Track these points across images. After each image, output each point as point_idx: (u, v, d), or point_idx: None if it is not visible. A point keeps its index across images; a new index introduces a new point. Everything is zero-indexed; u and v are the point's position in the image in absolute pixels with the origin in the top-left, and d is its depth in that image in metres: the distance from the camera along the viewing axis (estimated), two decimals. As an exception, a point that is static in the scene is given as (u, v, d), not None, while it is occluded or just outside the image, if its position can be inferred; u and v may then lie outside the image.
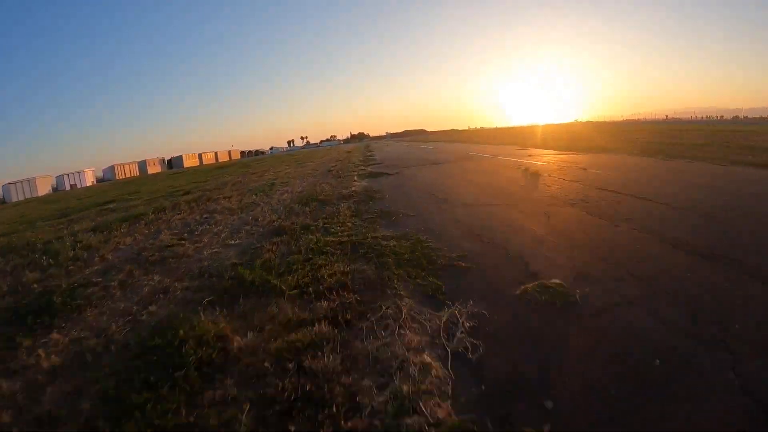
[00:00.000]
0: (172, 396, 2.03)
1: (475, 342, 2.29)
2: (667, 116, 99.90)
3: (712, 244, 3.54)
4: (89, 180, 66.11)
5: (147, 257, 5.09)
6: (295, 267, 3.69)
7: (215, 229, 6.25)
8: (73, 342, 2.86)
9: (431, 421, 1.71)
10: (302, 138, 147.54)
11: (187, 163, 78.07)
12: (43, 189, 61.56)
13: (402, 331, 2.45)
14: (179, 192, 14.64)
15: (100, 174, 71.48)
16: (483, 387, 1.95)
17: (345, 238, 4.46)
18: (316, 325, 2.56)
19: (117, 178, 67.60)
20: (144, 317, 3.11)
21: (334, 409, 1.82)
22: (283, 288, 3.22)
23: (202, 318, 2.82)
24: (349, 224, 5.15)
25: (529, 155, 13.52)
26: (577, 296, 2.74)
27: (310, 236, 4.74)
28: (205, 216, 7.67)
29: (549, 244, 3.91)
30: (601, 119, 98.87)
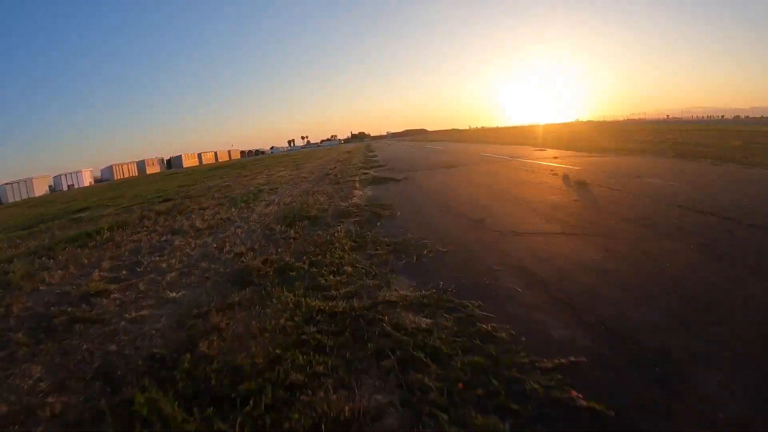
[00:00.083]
0: None
1: None
2: (668, 116, 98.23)
3: None
4: (87, 180, 64.38)
5: (55, 316, 3.32)
6: (244, 385, 1.89)
7: (164, 264, 4.44)
8: None
9: None
10: (303, 138, 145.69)
11: (187, 163, 76.23)
12: (40, 189, 59.91)
13: None
14: (160, 198, 12.88)
15: (99, 174, 69.72)
16: None
17: (341, 304, 2.62)
18: None
19: (115, 178, 65.85)
20: None
21: None
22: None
23: None
24: (348, 268, 3.31)
25: (554, 157, 11.69)
26: None
27: (287, 294, 2.91)
28: (164, 239, 5.86)
29: (714, 336, 2.08)
30: (601, 119, 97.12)
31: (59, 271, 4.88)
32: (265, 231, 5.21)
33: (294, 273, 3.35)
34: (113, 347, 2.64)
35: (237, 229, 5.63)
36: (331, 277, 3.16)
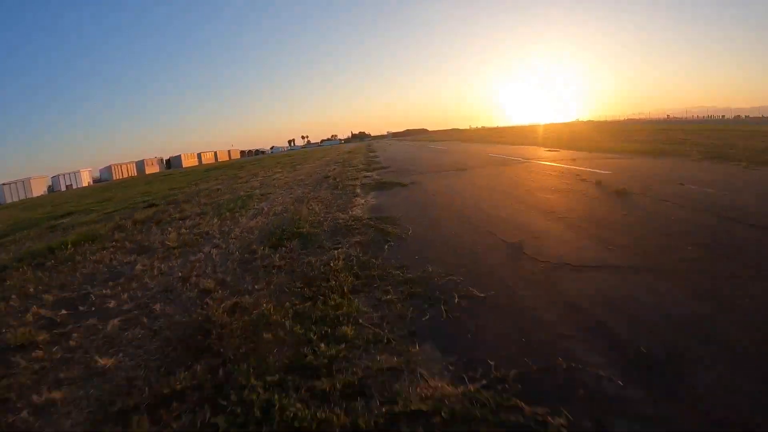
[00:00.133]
0: None
1: None
2: (668, 116, 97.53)
3: None
4: (86, 180, 63.43)
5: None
6: None
7: (113, 302, 3.39)
8: None
9: None
10: (303, 138, 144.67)
11: (186, 162, 75.16)
12: (38, 190, 59.01)
13: None
14: (146, 203, 11.87)
15: (98, 174, 68.68)
16: None
17: (336, 417, 1.57)
18: None
19: (114, 178, 64.86)
20: None
21: None
22: None
23: None
24: (348, 329, 2.26)
25: (571, 159, 10.63)
26: None
27: (253, 381, 1.86)
28: (128, 260, 4.82)
29: None
30: (602, 119, 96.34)
31: (-5, 304, 3.87)
32: (244, 254, 4.15)
33: (269, 335, 2.29)
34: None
35: (213, 249, 4.57)
36: (323, 345, 2.10)
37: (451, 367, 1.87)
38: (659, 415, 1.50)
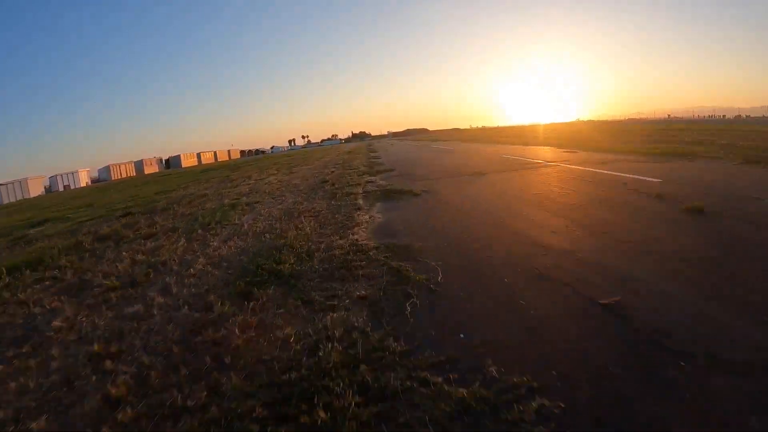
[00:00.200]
0: None
1: None
2: (669, 115, 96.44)
3: None
4: (84, 181, 62.08)
5: None
6: None
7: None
8: None
9: None
10: (303, 137, 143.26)
11: (186, 162, 73.70)
12: (35, 190, 57.74)
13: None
14: (125, 209, 10.53)
15: (96, 174, 67.27)
16: None
17: None
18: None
19: (113, 178, 63.50)
20: None
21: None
22: None
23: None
24: None
25: (600, 162, 9.23)
26: None
27: None
28: (53, 305, 3.47)
29: None
30: (602, 119, 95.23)
31: None
32: (194, 312, 2.78)
33: None
34: None
35: (158, 297, 3.20)
36: None
37: None
38: None
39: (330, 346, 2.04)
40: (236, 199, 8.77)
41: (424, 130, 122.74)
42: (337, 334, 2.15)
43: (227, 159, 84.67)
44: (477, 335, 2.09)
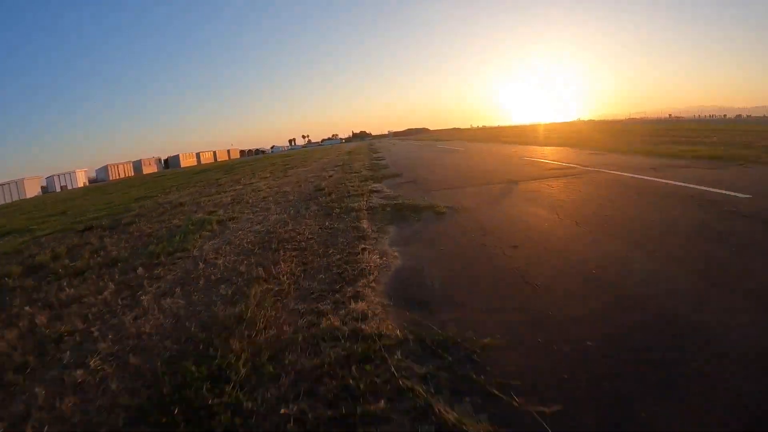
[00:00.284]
0: None
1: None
2: (670, 115, 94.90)
3: None
4: (81, 181, 60.42)
5: None
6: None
7: None
8: None
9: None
10: (304, 137, 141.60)
11: (185, 162, 71.99)
12: (32, 191, 56.10)
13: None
14: (93, 220, 8.93)
15: (94, 174, 65.57)
16: None
17: None
18: None
19: (111, 178, 61.87)
20: None
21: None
22: None
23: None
24: None
25: (647, 168, 7.54)
26: None
27: None
28: None
29: None
30: (603, 118, 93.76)
31: None
32: None
33: None
34: None
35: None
36: None
37: None
38: None
39: None
40: (211, 212, 7.08)
41: (425, 130, 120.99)
42: None
43: (227, 159, 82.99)
44: None
